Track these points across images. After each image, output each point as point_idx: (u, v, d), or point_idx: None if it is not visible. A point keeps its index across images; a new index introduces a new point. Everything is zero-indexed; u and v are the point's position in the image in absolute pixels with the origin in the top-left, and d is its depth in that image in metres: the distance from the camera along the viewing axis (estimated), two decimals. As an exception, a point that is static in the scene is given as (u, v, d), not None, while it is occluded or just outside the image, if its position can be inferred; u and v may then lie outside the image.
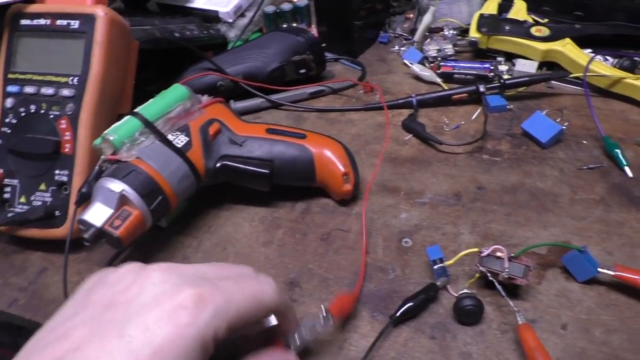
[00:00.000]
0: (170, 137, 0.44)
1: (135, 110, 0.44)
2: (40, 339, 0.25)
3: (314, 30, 0.67)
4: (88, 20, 0.45)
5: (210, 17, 0.65)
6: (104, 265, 0.45)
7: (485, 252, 0.39)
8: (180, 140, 0.44)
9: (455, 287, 0.41)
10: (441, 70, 0.60)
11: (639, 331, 0.36)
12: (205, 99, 0.48)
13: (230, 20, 0.64)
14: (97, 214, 0.40)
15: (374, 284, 0.42)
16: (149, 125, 0.43)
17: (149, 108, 0.44)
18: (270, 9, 0.65)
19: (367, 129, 0.56)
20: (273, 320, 0.32)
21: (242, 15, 0.66)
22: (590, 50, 0.59)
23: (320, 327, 0.34)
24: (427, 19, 0.62)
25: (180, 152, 0.43)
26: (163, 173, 0.42)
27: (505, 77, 0.58)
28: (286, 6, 0.65)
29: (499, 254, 0.39)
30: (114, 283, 0.27)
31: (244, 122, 0.48)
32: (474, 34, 0.61)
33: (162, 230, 0.48)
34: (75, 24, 0.46)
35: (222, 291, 0.27)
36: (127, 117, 0.43)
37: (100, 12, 0.45)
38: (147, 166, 0.41)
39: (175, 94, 0.45)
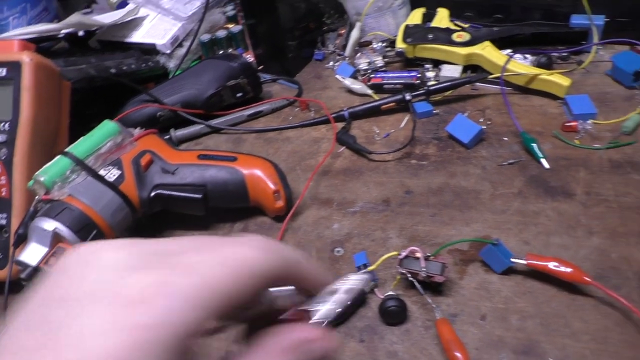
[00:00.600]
0: (102, 172, 0.46)
1: (66, 149, 0.45)
2: None
3: (250, 55, 0.69)
4: (14, 67, 0.47)
5: (149, 50, 0.67)
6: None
7: (403, 254, 0.41)
8: (112, 174, 0.46)
9: (384, 290, 0.43)
10: (371, 82, 0.62)
11: (550, 314, 0.39)
12: (137, 131, 0.50)
13: (168, 51, 0.66)
14: (33, 254, 0.41)
15: (307, 294, 0.44)
16: (79, 162, 0.45)
17: (79, 146, 0.46)
18: (205, 37, 0.68)
19: (303, 145, 0.59)
20: (281, 290, 0.23)
21: (180, 45, 0.68)
22: (510, 50, 0.62)
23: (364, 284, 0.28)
24: (354, 34, 0.65)
25: (113, 185, 0.45)
26: (95, 207, 0.44)
27: (432, 83, 0.61)
28: (221, 33, 0.68)
29: (417, 254, 0.41)
30: (57, 274, 0.20)
31: (176, 150, 0.50)
32: (400, 44, 0.63)
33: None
34: (2, 71, 0.48)
35: (195, 269, 0.19)
36: (57, 157, 0.45)
37: (26, 59, 0.47)
38: (79, 202, 0.43)
39: (104, 130, 0.47)
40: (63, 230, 0.41)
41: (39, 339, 0.17)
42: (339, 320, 0.41)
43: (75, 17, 0.63)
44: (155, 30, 0.68)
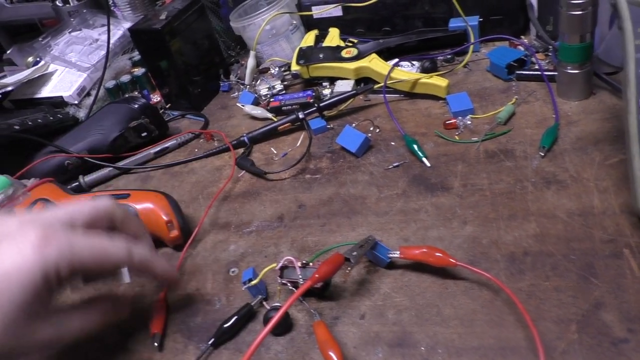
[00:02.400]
0: (-7, 225, 0.47)
1: (-45, 208, 0.47)
2: None
3: (158, 95, 0.72)
4: None
5: (58, 103, 0.69)
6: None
7: (279, 265, 0.43)
8: (3, 226, 0.47)
9: (272, 302, 0.44)
10: (270, 105, 0.65)
11: (424, 305, 0.40)
12: (31, 182, 0.52)
13: (76, 102, 0.69)
14: None
15: (200, 317, 0.45)
16: (-32, 219, 0.46)
17: (-32, 203, 0.47)
18: (110, 83, 0.70)
19: (206, 174, 0.61)
20: (126, 276, 0.40)
21: (88, 94, 0.70)
22: (397, 59, 0.65)
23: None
24: (250, 62, 0.68)
25: (4, 237, 0.47)
26: (-13, 261, 0.45)
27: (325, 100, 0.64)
28: (125, 78, 0.70)
29: (296, 264, 0.43)
30: None
31: (71, 195, 0.52)
32: (294, 67, 0.66)
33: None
34: None
35: (69, 238, 0.34)
36: (-54, 217, 0.46)
37: None
38: (-31, 258, 0.44)
39: (-6, 185, 0.49)
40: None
41: None
42: (227, 336, 0.42)
43: (-21, 81, 0.65)
44: (63, 83, 0.70)
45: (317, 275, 0.38)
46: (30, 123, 0.62)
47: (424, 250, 0.41)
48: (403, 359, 0.37)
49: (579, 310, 0.37)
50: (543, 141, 0.50)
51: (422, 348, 0.37)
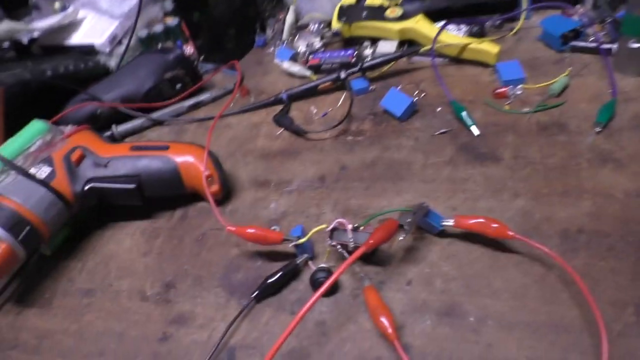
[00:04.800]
0: (32, 170, 0.46)
1: (-7, 151, 0.46)
2: None
3: (191, 46, 0.70)
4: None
5: (88, 51, 0.67)
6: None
7: (330, 227, 0.42)
8: (43, 171, 0.46)
9: (318, 263, 0.43)
10: (309, 63, 0.63)
11: (473, 276, 0.40)
12: (69, 129, 0.50)
13: (107, 50, 0.66)
14: (-35, 254, 0.42)
15: (242, 273, 0.44)
16: (7, 163, 0.45)
17: (7, 147, 0.46)
18: (143, 33, 0.68)
19: (243, 130, 0.59)
20: None
21: (120, 43, 0.68)
22: (444, 22, 0.62)
23: None
24: (289, 17, 0.66)
25: (44, 182, 0.46)
26: (27, 205, 0.44)
27: (367, 60, 0.62)
28: (159, 27, 0.68)
29: (347, 227, 0.42)
30: None
31: (109, 144, 0.51)
32: (335, 25, 0.64)
33: (48, 259, 0.50)
34: None
35: None
36: (-15, 159, 0.45)
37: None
38: (10, 201, 0.44)
39: (33, 130, 0.48)
40: (-5, 228, 0.42)
41: None
42: (271, 291, 0.41)
43: (5, 25, 0.63)
44: (94, 30, 0.68)
45: (371, 241, 0.37)
46: (62, 69, 0.61)
47: (481, 220, 0.40)
48: (452, 328, 0.37)
49: (637, 294, 0.36)
50: (599, 117, 0.48)
51: (472, 319, 0.37)
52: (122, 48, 0.67)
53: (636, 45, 0.50)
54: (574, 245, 0.40)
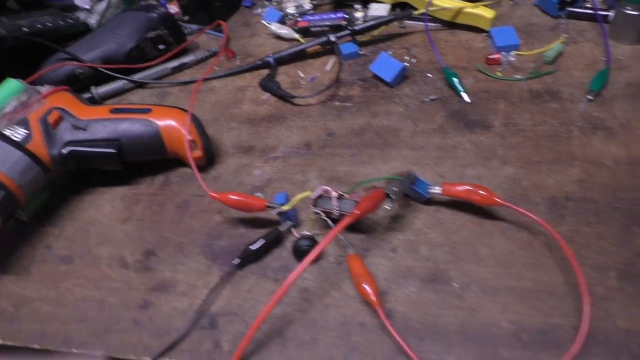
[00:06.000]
0: (7, 132, 0.44)
1: (-35, 110, 0.44)
2: None
3: (175, 5, 0.67)
4: None
5: (68, 7, 0.64)
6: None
7: (315, 194, 0.41)
8: (18, 133, 0.44)
9: (302, 231, 0.43)
10: (298, 25, 0.61)
11: (459, 243, 0.39)
12: (46, 89, 0.48)
13: (88, 7, 0.63)
14: (-63, 217, 0.40)
15: (224, 240, 0.43)
16: (-20, 123, 0.43)
17: (-20, 106, 0.44)
18: (125, -11, 0.65)
19: (227, 94, 0.57)
20: None
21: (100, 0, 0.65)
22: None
23: None
24: (278, -24, 0.63)
25: (19, 145, 0.44)
26: (1, 169, 0.42)
27: (359, 23, 0.59)
28: (142, -16, 0.65)
29: (329, 193, 0.41)
30: None
31: (88, 106, 0.48)
32: (326, -15, 0.62)
33: (25, 224, 0.48)
34: None
35: None
36: (-44, 119, 0.43)
37: None
38: (-17, 163, 0.42)
39: (7, 90, 0.45)
40: (-34, 192, 0.40)
41: None
42: (253, 258, 0.41)
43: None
44: (73, -16, 0.65)
45: (357, 212, 0.36)
46: (39, 26, 0.58)
47: (468, 187, 0.39)
48: (436, 294, 0.36)
49: (621, 259, 0.36)
50: (592, 84, 0.47)
51: (456, 285, 0.37)
52: (103, 5, 0.64)
53: (632, 12, 0.49)
54: (561, 212, 0.39)
